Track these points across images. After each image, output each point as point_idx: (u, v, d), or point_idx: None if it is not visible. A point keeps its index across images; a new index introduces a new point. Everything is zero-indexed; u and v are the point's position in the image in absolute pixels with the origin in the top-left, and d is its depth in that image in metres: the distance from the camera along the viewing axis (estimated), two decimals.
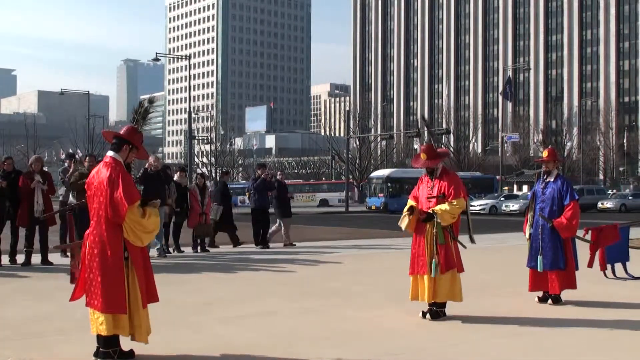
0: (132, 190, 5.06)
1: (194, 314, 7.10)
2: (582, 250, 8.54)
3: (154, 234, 5.24)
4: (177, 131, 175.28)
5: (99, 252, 5.02)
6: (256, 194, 15.28)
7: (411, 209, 6.85)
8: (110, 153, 5.24)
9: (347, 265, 11.99)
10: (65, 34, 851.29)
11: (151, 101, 5.46)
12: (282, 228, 15.59)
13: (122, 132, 5.34)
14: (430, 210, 6.71)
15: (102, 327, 4.98)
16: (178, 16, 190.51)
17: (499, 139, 57.67)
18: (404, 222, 6.87)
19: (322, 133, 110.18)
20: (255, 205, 15.31)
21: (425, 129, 8.05)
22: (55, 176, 12.78)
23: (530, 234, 7.95)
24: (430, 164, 6.83)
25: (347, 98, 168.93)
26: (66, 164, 13.23)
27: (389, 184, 45.04)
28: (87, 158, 12.46)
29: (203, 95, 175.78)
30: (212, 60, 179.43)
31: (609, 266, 9.93)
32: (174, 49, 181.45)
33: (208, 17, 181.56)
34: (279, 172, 17.35)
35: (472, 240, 7.18)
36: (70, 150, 41.61)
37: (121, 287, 5.00)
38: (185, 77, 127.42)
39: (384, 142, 69.18)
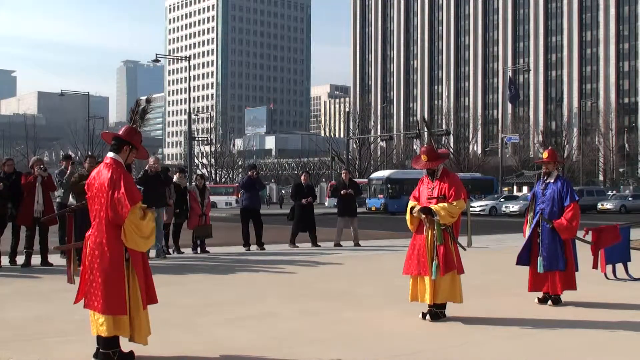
0: (134, 191, 5.06)
1: (193, 315, 7.09)
2: (583, 252, 8.54)
3: (151, 241, 5.20)
4: (177, 132, 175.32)
5: (100, 254, 5.01)
6: (245, 194, 15.26)
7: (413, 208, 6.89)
8: (110, 154, 5.23)
9: (347, 266, 11.98)
10: (65, 35, 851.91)
11: (148, 100, 5.43)
12: (353, 228, 15.94)
13: (121, 133, 5.32)
14: (431, 206, 6.73)
15: (103, 328, 4.97)
16: (178, 17, 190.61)
17: (499, 140, 57.68)
18: (407, 219, 6.95)
19: (322, 134, 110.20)
20: (243, 205, 15.30)
21: (426, 130, 8.07)
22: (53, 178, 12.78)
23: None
24: (431, 165, 6.83)
25: (347, 99, 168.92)
26: (62, 166, 13.22)
27: (388, 185, 45.06)
28: (87, 159, 12.45)
29: (203, 97, 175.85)
30: (212, 61, 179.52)
31: (609, 267, 9.94)
32: (173, 50, 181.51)
33: (208, 18, 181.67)
34: (343, 171, 17.47)
35: (468, 244, 7.19)
36: (70, 152, 41.59)
37: (122, 289, 4.99)
38: (185, 78, 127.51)
39: (383, 143, 69.19)
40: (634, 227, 11.79)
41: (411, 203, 7.04)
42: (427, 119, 67.19)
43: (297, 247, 15.36)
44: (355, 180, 19.06)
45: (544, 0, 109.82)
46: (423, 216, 6.74)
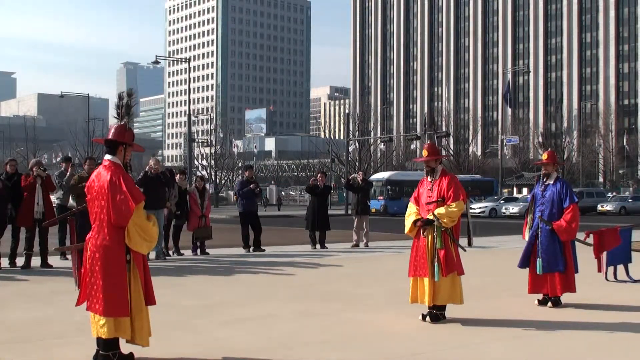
0: (135, 192, 5.05)
1: (193, 317, 7.09)
2: (582, 254, 8.54)
3: (153, 245, 5.23)
4: (176, 134, 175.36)
5: (101, 256, 5.00)
6: (243, 199, 15.26)
7: (414, 219, 6.92)
8: (107, 157, 5.21)
9: (347, 267, 11.98)
10: (65, 37, 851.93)
11: (130, 94, 5.40)
12: (362, 226, 16.18)
13: (112, 135, 5.25)
14: (429, 215, 6.73)
15: (103, 330, 4.96)
16: (178, 19, 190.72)
17: (499, 142, 57.66)
18: (406, 227, 6.96)
19: (322, 136, 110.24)
20: (243, 209, 15.30)
21: (426, 131, 8.25)
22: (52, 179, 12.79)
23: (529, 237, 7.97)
24: (430, 158, 6.93)
25: (347, 101, 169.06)
26: (62, 167, 13.24)
27: (388, 187, 45.06)
28: (87, 161, 12.46)
29: (203, 98, 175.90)
30: (212, 63, 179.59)
31: (610, 269, 9.93)
32: (173, 51, 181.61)
33: (208, 20, 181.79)
34: (360, 172, 18.07)
35: (469, 244, 7.26)
36: (69, 154, 41.60)
37: (124, 290, 4.98)
38: (185, 79, 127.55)
39: (383, 145, 69.10)
40: (636, 229, 11.78)
41: (411, 206, 7.06)
42: (427, 121, 67.23)
43: (316, 247, 15.47)
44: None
45: (543, 2, 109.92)
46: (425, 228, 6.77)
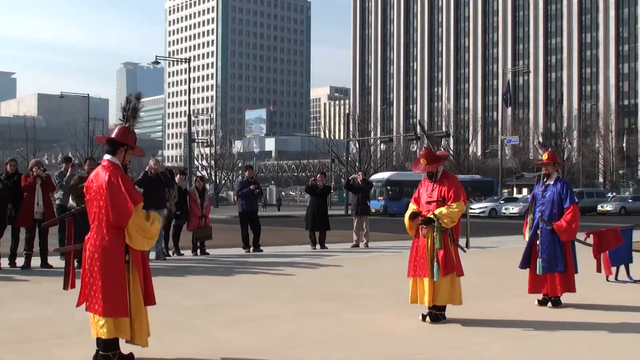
0: (133, 193, 5.05)
1: (193, 317, 7.09)
2: (583, 254, 8.53)
3: (154, 241, 5.24)
4: (176, 134, 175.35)
5: (100, 256, 4.99)
6: (243, 200, 15.26)
7: (413, 214, 6.88)
8: (107, 157, 5.20)
9: (346, 268, 11.98)
10: (65, 37, 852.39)
11: (138, 97, 5.36)
12: (362, 227, 16.26)
13: (114, 135, 5.24)
14: (430, 215, 6.72)
15: (103, 330, 4.95)
16: (178, 19, 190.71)
17: (499, 142, 57.65)
18: (406, 225, 6.95)
19: (322, 136, 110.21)
20: (242, 209, 15.30)
21: (423, 133, 8.07)
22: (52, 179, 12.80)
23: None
24: (430, 168, 6.84)
25: (347, 101, 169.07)
26: (62, 168, 13.25)
27: (388, 187, 45.07)
28: (87, 161, 12.47)
29: (203, 98, 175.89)
30: (212, 63, 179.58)
31: (613, 269, 9.92)
32: (173, 52, 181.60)
33: (208, 20, 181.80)
34: (360, 173, 18.18)
35: (467, 245, 7.20)
36: (69, 154, 41.57)
37: (123, 291, 4.97)
38: (185, 80, 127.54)
39: (383, 145, 69.11)
40: (636, 229, 11.77)
41: (412, 206, 7.05)
42: (427, 121, 67.17)
43: (316, 248, 15.48)
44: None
45: (543, 2, 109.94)
46: (424, 227, 6.74)
